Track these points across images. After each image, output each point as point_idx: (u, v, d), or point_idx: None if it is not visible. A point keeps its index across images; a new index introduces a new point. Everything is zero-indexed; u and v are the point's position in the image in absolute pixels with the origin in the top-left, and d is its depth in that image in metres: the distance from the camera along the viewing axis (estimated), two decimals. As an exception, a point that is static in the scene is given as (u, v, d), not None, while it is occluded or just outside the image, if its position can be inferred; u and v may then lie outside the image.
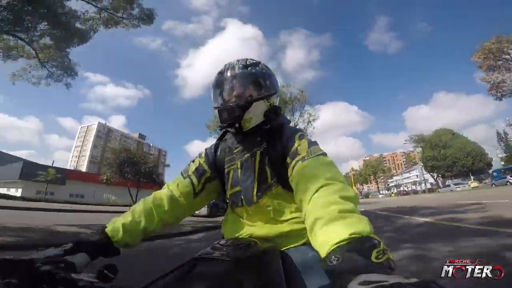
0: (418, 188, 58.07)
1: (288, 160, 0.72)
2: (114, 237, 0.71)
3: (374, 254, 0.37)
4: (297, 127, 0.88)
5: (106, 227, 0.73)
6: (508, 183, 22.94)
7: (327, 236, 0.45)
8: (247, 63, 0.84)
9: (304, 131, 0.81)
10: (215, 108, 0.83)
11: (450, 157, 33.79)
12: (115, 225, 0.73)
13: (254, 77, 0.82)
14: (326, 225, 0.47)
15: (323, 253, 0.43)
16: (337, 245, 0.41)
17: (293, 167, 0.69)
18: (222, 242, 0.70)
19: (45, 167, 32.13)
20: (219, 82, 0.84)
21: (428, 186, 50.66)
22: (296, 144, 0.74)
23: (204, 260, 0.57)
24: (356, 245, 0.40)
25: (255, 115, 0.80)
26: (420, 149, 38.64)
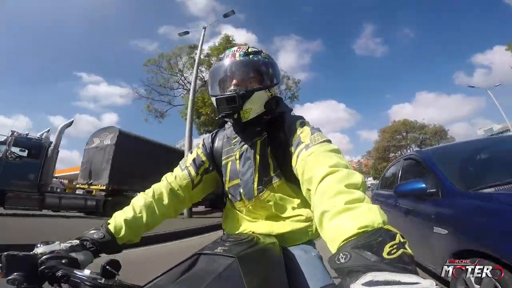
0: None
1: (292, 149, 0.69)
2: (117, 233, 0.70)
3: (386, 249, 0.33)
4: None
5: (108, 223, 0.71)
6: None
7: (335, 231, 0.42)
8: (249, 50, 0.79)
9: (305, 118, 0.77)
10: (213, 96, 0.78)
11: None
12: (117, 221, 0.72)
13: (256, 65, 0.77)
14: (332, 219, 0.44)
15: (332, 251, 0.40)
16: (345, 241, 0.38)
17: (297, 156, 0.65)
18: (224, 237, 0.69)
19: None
20: (218, 69, 0.79)
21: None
22: (298, 132, 0.70)
23: (207, 256, 0.56)
24: (366, 240, 0.36)
25: (255, 105, 0.74)
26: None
